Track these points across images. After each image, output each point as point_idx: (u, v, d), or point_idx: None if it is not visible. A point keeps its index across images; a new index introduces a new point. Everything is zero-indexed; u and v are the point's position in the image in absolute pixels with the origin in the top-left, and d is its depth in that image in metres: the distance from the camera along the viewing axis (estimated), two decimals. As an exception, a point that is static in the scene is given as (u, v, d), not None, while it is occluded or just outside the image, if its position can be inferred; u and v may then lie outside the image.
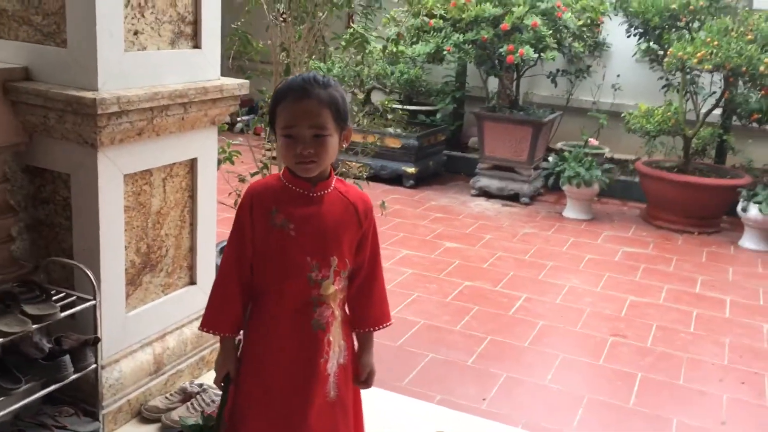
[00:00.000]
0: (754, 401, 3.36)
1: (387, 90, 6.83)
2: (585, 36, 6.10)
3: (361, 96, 6.00)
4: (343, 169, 6.49)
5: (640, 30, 6.13)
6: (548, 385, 3.41)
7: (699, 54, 5.28)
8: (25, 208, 2.36)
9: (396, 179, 6.56)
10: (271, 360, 1.80)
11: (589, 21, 6.05)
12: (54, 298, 2.17)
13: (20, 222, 2.35)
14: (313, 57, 3.52)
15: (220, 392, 1.89)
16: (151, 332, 2.48)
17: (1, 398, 2.00)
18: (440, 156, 6.99)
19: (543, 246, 5.30)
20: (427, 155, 6.68)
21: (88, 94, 2.10)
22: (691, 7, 5.64)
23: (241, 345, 1.85)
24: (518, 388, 3.35)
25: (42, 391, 2.11)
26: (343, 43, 3.37)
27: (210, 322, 1.82)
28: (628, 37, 6.30)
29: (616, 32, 6.57)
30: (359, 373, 1.91)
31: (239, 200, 1.86)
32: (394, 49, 3.57)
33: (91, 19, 2.13)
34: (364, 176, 6.10)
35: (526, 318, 4.10)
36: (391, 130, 5.67)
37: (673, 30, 5.87)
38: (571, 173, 5.78)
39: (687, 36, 5.71)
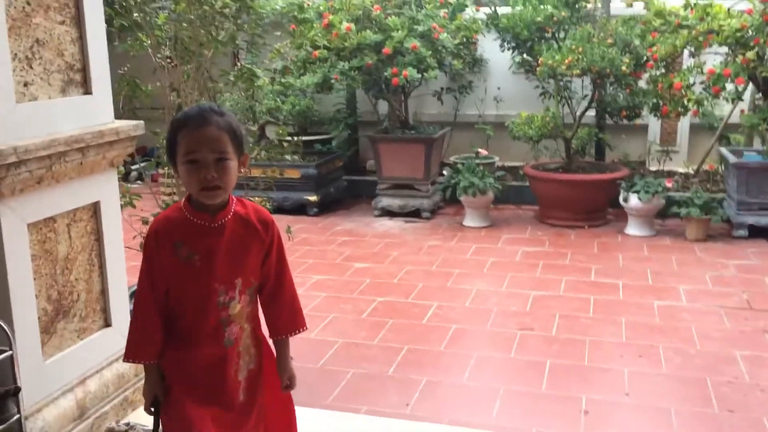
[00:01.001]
0: (652, 371, 3.65)
1: (280, 122, 6.93)
2: (462, 53, 6.44)
3: (255, 129, 6.09)
4: (246, 204, 6.54)
5: (513, 44, 6.55)
6: (466, 383, 3.58)
7: (567, 61, 5.70)
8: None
9: (299, 209, 6.66)
10: (189, 376, 1.90)
11: (464, 39, 6.40)
12: (-33, 354, 2.15)
13: None
14: (203, 96, 3.60)
15: (149, 426, 1.95)
16: (71, 378, 2.48)
17: None
18: (340, 182, 7.15)
19: (448, 256, 5.53)
20: (327, 182, 6.83)
21: (-17, 148, 2.12)
22: (555, 18, 6.08)
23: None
24: (438, 390, 3.50)
25: (-37, 450, 2.08)
26: (232, 79, 3.47)
27: (132, 352, 1.89)
28: (503, 51, 6.71)
29: (491, 48, 6.99)
30: (281, 380, 2.01)
31: (145, 238, 1.93)
32: (282, 80, 3.68)
33: (-22, 74, 2.15)
34: (268, 208, 6.16)
35: (439, 324, 4.27)
36: (288, 157, 5.78)
37: (542, 41, 6.31)
38: (466, 183, 6.06)
39: (555, 45, 6.15)
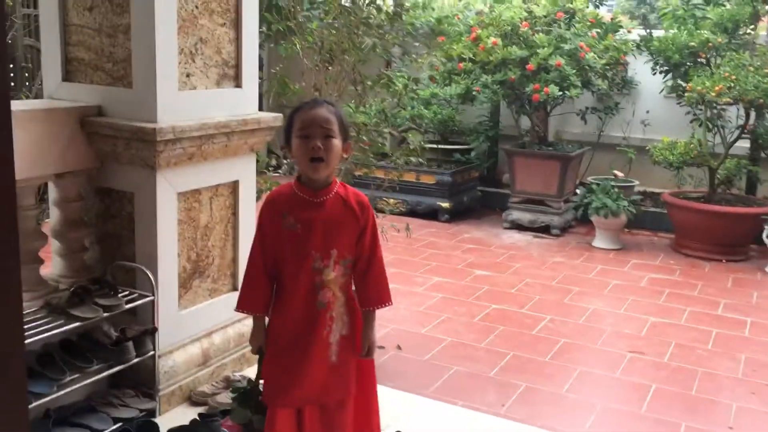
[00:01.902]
0: (762, 409, 3.53)
1: (422, 130, 7.24)
2: (608, 74, 6.41)
3: (397, 134, 6.42)
4: (381, 206, 6.90)
5: (665, 67, 6.42)
6: (565, 394, 3.65)
7: (717, 88, 5.53)
8: (95, 224, 2.81)
9: (432, 213, 6.91)
10: (285, 328, 2.19)
11: (612, 60, 6.36)
12: (119, 294, 2.59)
13: (92, 235, 2.80)
14: (347, 99, 3.93)
15: None
16: (200, 330, 2.88)
17: (77, 375, 2.41)
18: (474, 191, 7.33)
19: (570, 273, 5.54)
20: (461, 191, 7.03)
21: (149, 125, 2.55)
22: (710, 44, 5.91)
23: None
24: (536, 397, 3.60)
25: (109, 371, 2.51)
26: (370, 84, 3.78)
27: (242, 303, 2.23)
28: (654, 74, 6.60)
29: (642, 70, 6.88)
30: (362, 346, 2.26)
31: (260, 208, 2.27)
32: (415, 88, 3.95)
33: (152, 65, 2.59)
34: (402, 210, 6.49)
35: (548, 336, 4.34)
36: (419, 161, 6.06)
37: (696, 66, 6.14)
38: (599, 204, 6.03)
39: (708, 72, 5.97)
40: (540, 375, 3.83)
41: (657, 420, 3.39)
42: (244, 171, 2.99)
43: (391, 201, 6.90)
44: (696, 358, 4.10)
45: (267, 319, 2.25)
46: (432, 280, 5.29)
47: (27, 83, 5.63)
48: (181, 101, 2.69)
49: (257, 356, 2.27)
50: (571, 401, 3.57)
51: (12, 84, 5.75)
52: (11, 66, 5.84)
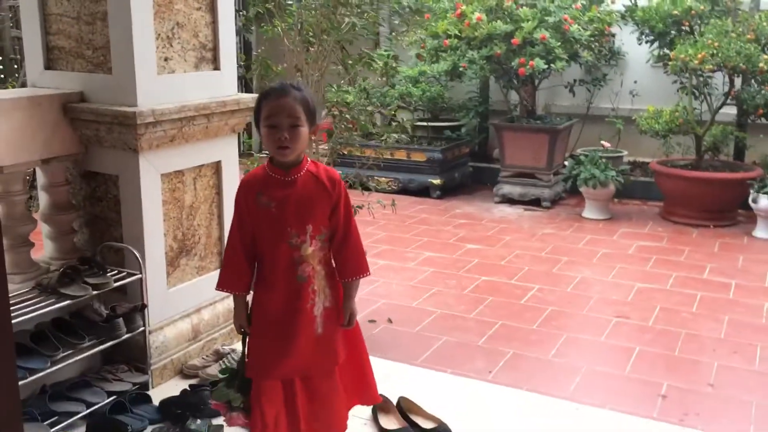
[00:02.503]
0: (743, 367, 3.63)
1: (411, 108, 7.29)
2: (593, 46, 6.45)
3: (387, 112, 6.47)
4: (373, 184, 6.97)
5: (651, 37, 6.46)
6: (551, 359, 3.75)
7: (700, 55, 5.58)
8: (83, 206, 2.90)
9: (423, 191, 6.99)
10: (269, 305, 2.27)
11: (597, 31, 6.40)
12: (108, 273, 2.68)
13: (80, 218, 2.89)
14: (329, 79, 3.98)
15: None
16: (189, 306, 2.98)
17: (70, 351, 2.51)
18: (466, 167, 7.40)
19: (560, 244, 5.63)
20: (452, 167, 7.10)
21: (129, 109, 2.63)
22: (693, 11, 5.95)
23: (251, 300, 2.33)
24: (522, 362, 3.70)
25: (101, 346, 2.61)
26: (350, 62, 3.85)
27: (222, 283, 2.31)
28: (640, 44, 6.64)
29: (629, 40, 6.92)
30: (343, 316, 2.35)
31: (237, 190, 2.34)
32: (394, 64, 4.01)
33: (130, 50, 2.66)
34: (394, 188, 6.57)
35: (536, 305, 4.44)
36: (403, 136, 6.07)
37: (681, 34, 6.18)
38: (587, 175, 6.10)
39: (692, 40, 6.01)
40: (527, 342, 3.93)
41: (640, 380, 3.49)
42: (226, 151, 3.08)
43: (383, 179, 6.99)
44: (680, 320, 4.19)
45: (250, 297, 2.33)
46: (423, 255, 5.38)
47: (16, 75, 5.71)
48: (160, 85, 2.76)
49: (241, 335, 2.35)
50: (557, 365, 3.67)
51: (1, 75, 5.83)
52: None
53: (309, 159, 2.28)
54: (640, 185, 6.74)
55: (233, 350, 2.94)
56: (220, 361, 2.83)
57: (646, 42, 6.56)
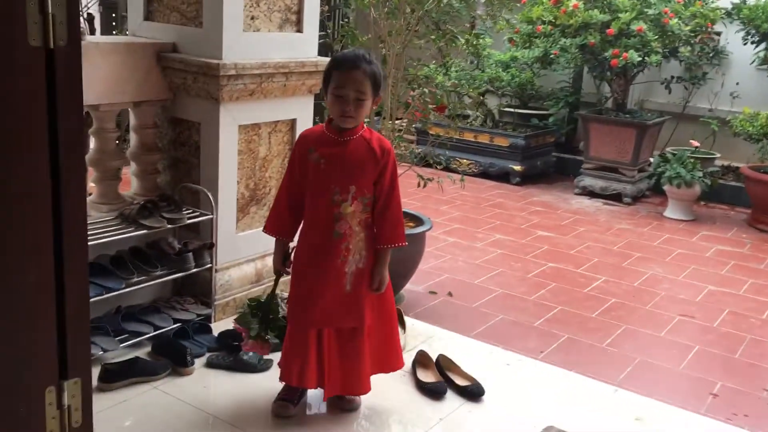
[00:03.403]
0: (804, 378, 3.52)
1: (499, 93, 7.30)
2: (693, 42, 6.26)
3: (476, 96, 6.51)
4: (454, 165, 7.05)
5: (757, 37, 6.20)
6: (605, 347, 3.75)
7: (805, 58, 5.33)
8: (167, 150, 3.15)
9: (503, 176, 7.00)
10: (305, 254, 2.44)
11: (698, 27, 6.20)
12: (184, 211, 2.93)
13: (164, 160, 3.15)
14: (405, 49, 4.06)
15: None
16: (254, 251, 3.19)
17: (144, 277, 2.76)
18: (549, 156, 7.35)
19: (634, 240, 5.54)
20: (534, 155, 7.07)
21: (214, 61, 2.85)
22: (804, 12, 5.68)
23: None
24: (575, 347, 3.71)
25: (171, 276, 2.86)
26: (433, 38, 3.94)
27: (268, 226, 2.50)
28: (745, 44, 6.38)
29: (734, 40, 6.66)
30: (372, 281, 2.46)
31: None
32: (476, 42, 4.07)
33: (220, 7, 2.87)
34: (474, 171, 6.61)
35: (599, 295, 4.42)
36: (474, 114, 6.04)
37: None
38: (672, 174, 5.96)
39: (800, 41, 5.74)
40: (583, 329, 3.94)
41: (693, 377, 3.45)
42: (301, 110, 3.25)
43: (464, 161, 7.07)
44: (747, 326, 4.09)
45: (291, 244, 2.50)
46: (493, 236, 5.43)
47: (124, 25, 6.16)
48: (245, 41, 2.96)
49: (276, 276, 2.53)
50: (610, 354, 3.67)
51: (114, 31, 6.29)
52: (113, 14, 6.37)
53: (365, 126, 2.42)
54: (730, 190, 6.51)
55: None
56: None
57: (752, 42, 6.30)
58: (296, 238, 2.53)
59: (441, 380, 2.75)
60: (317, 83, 3.26)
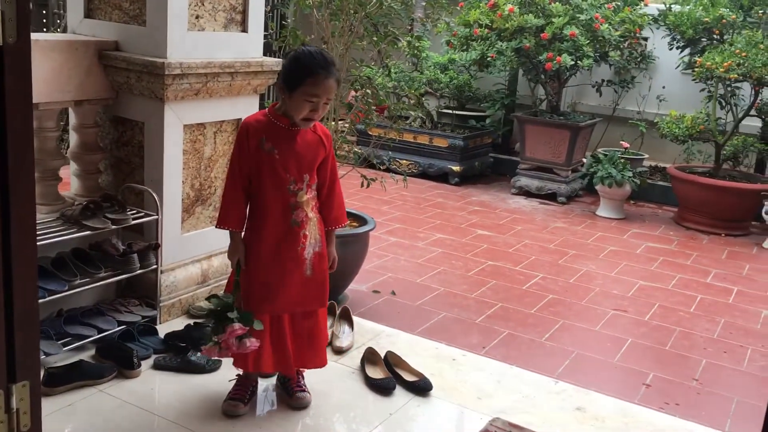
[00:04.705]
0: (731, 366, 3.72)
1: (438, 95, 7.41)
2: (622, 47, 6.51)
3: (414, 95, 6.59)
4: (394, 166, 7.12)
5: (682, 43, 6.50)
6: (544, 342, 3.87)
7: (726, 64, 5.62)
8: (110, 149, 3.10)
9: (442, 177, 7.11)
10: (261, 247, 2.44)
11: (627, 32, 6.46)
12: (127, 211, 2.88)
13: (106, 160, 3.09)
14: (348, 51, 4.10)
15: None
16: (200, 252, 3.17)
17: (87, 279, 2.71)
18: (486, 157, 7.51)
19: (569, 238, 5.73)
20: (472, 156, 7.22)
21: (159, 60, 2.82)
22: (724, 20, 5.98)
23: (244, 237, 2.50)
24: (515, 342, 3.82)
25: (115, 278, 2.81)
26: (375, 39, 3.99)
27: (224, 220, 2.47)
28: (671, 49, 6.68)
29: (661, 45, 6.96)
30: (327, 261, 2.54)
31: (238, 132, 2.50)
32: (417, 44, 4.14)
33: (164, 5, 2.84)
34: (413, 172, 6.68)
35: (537, 292, 4.55)
36: (415, 115, 6.11)
37: (712, 42, 6.21)
38: (604, 173, 6.18)
39: (720, 48, 6.05)
40: (523, 324, 4.05)
41: (627, 369, 3.60)
42: (247, 110, 3.24)
43: (404, 161, 7.15)
44: (676, 318, 4.29)
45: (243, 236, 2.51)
46: (434, 236, 5.52)
47: (59, 21, 5.99)
48: (190, 40, 2.94)
49: (236, 269, 2.51)
50: (549, 348, 3.79)
51: (44, 28, 6.10)
52: (44, 11, 6.18)
53: None
54: (658, 189, 6.80)
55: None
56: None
57: (677, 48, 6.60)
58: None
59: (390, 376, 2.80)
60: (263, 83, 3.26)
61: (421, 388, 2.77)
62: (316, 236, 2.48)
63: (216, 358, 2.41)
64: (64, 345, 2.68)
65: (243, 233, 2.49)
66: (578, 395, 3.05)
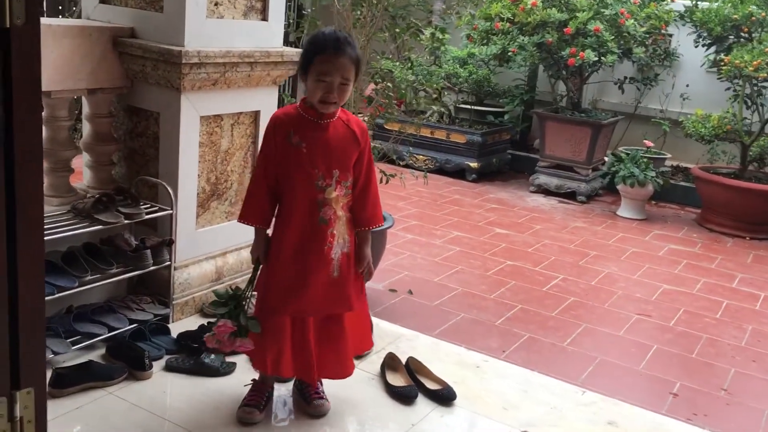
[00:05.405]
0: (760, 376, 3.58)
1: (456, 89, 7.27)
2: (646, 43, 6.35)
3: (432, 92, 6.46)
4: (411, 161, 6.99)
5: (709, 40, 6.33)
6: (566, 346, 3.74)
7: (755, 62, 5.46)
8: (124, 140, 2.98)
9: (459, 173, 6.98)
10: (287, 244, 2.32)
11: (652, 28, 6.29)
12: (141, 205, 2.77)
13: (120, 151, 2.98)
14: (369, 43, 3.98)
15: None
16: (215, 248, 3.06)
17: (98, 275, 2.60)
18: (504, 154, 7.37)
19: (590, 238, 5.59)
20: (490, 152, 7.08)
21: (176, 48, 2.70)
22: (754, 17, 5.81)
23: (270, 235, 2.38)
24: (536, 345, 3.70)
25: (127, 274, 2.70)
26: (398, 31, 3.86)
27: (245, 215, 2.36)
28: (696, 47, 6.51)
29: (686, 42, 6.78)
30: (359, 264, 2.39)
31: (266, 127, 2.38)
32: (440, 36, 4.01)
33: (182, -9, 2.73)
34: (430, 167, 6.56)
35: (558, 294, 4.43)
36: (436, 109, 6.00)
37: (740, 40, 6.04)
38: (625, 173, 6.04)
39: (749, 46, 5.87)
40: (544, 327, 3.93)
41: (652, 377, 3.47)
42: (265, 102, 3.13)
43: (420, 157, 7.02)
44: (702, 325, 4.15)
45: (269, 233, 2.39)
46: (451, 234, 5.40)
47: (74, 8, 5.88)
48: (208, 28, 2.82)
49: (255, 266, 2.40)
50: (571, 353, 3.67)
51: (59, 8, 6.02)
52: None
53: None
54: (681, 190, 6.65)
55: (252, 295, 3.00)
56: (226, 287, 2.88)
57: (703, 45, 6.43)
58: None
59: (411, 384, 2.68)
60: (282, 74, 3.14)
61: (444, 397, 2.65)
62: (344, 236, 2.34)
63: (211, 347, 2.29)
64: (74, 343, 2.58)
65: (271, 230, 2.37)
66: (608, 407, 2.92)
